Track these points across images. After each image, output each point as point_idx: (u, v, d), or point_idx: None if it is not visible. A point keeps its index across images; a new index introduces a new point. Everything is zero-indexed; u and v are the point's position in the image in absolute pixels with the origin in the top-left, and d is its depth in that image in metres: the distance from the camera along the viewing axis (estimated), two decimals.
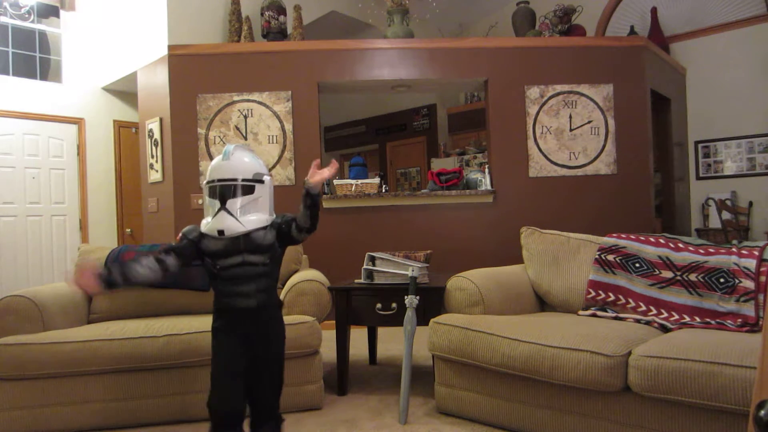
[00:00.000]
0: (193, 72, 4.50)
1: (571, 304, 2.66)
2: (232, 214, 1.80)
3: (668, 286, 2.42)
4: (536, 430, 2.14)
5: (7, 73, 5.22)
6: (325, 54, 4.57)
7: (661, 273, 2.46)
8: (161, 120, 4.62)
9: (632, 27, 6.09)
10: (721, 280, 2.30)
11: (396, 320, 2.67)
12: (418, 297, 2.52)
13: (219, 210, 1.81)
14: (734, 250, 2.37)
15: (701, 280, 2.35)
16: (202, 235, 1.85)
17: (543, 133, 4.59)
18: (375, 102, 8.50)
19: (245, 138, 4.48)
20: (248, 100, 4.50)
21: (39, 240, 5.41)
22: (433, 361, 2.51)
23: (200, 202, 4.46)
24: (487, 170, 4.66)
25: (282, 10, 4.90)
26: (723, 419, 1.72)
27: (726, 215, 5.60)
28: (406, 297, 2.52)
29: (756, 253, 2.31)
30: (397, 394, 2.71)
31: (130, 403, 2.39)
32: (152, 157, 4.78)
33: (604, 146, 4.60)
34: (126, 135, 5.94)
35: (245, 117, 4.50)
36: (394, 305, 2.69)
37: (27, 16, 5.34)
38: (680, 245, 2.52)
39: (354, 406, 2.60)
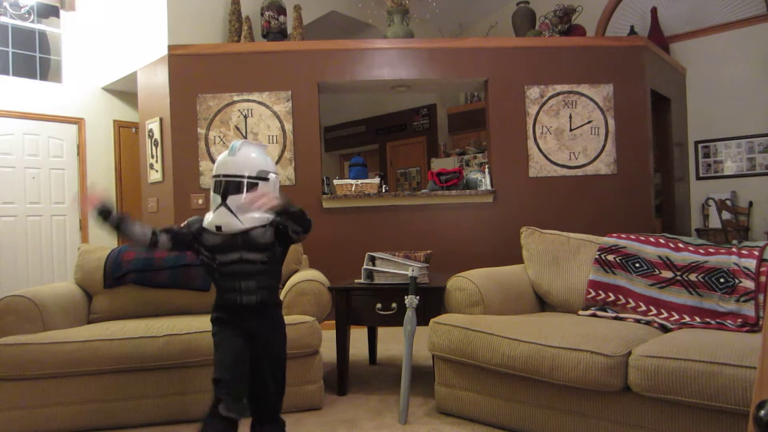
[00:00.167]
0: (193, 72, 4.50)
1: (571, 304, 2.66)
2: (231, 211, 1.80)
3: (668, 286, 2.42)
4: (536, 430, 2.14)
5: (7, 73, 5.22)
6: (325, 54, 4.57)
7: (661, 273, 2.46)
8: (161, 120, 4.62)
9: (632, 27, 6.08)
10: (721, 280, 2.30)
11: (396, 320, 2.67)
12: (418, 297, 2.52)
13: (219, 206, 1.81)
14: (734, 250, 2.37)
15: (701, 280, 2.35)
16: (203, 229, 1.86)
17: (543, 133, 4.59)
18: (375, 102, 8.50)
19: (245, 138, 4.48)
20: (248, 100, 4.50)
21: (39, 240, 5.41)
22: (433, 361, 2.51)
23: (200, 202, 4.46)
24: (487, 170, 4.66)
25: (282, 10, 4.90)
26: (723, 419, 1.72)
27: (726, 215, 5.60)
28: (406, 297, 2.52)
29: (756, 253, 2.31)
30: (397, 394, 2.71)
31: (130, 403, 2.39)
32: (152, 157, 4.78)
33: (604, 146, 4.60)
34: (126, 135, 5.94)
35: (245, 117, 4.50)
36: (394, 305, 2.69)
37: (27, 16, 5.34)
38: (680, 245, 2.52)
39: (354, 406, 2.60)
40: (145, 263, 2.92)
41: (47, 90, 5.42)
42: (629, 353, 1.92)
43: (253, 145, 1.91)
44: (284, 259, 1.99)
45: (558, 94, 4.60)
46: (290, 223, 1.82)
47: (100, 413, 2.38)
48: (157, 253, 2.97)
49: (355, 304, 2.78)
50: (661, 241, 2.58)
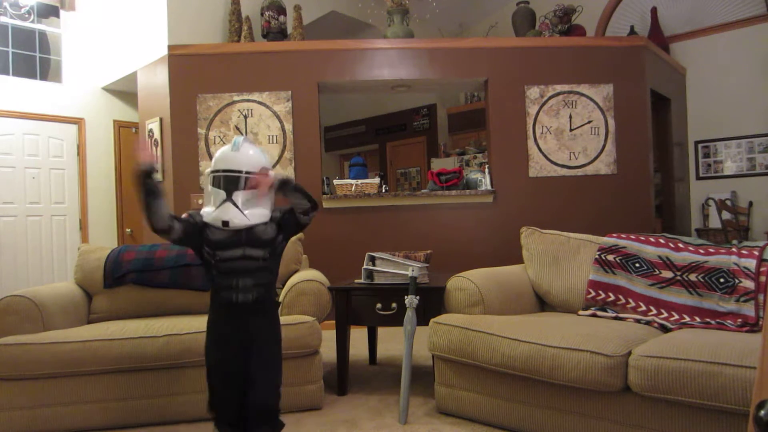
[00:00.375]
0: (193, 72, 4.50)
1: (571, 304, 2.66)
2: (237, 206, 1.79)
3: (668, 286, 2.42)
4: (536, 430, 2.14)
5: (7, 73, 5.21)
6: (325, 54, 4.57)
7: (661, 273, 2.46)
8: (161, 120, 4.62)
9: (632, 27, 6.09)
10: (721, 280, 2.30)
11: (396, 320, 2.67)
12: (418, 297, 2.52)
13: (224, 201, 1.79)
14: (734, 250, 2.37)
15: (701, 280, 2.35)
16: (205, 224, 1.83)
17: (543, 133, 4.59)
18: (375, 102, 8.50)
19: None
20: (248, 100, 4.50)
21: (39, 240, 5.41)
22: (433, 361, 2.51)
23: (200, 202, 4.46)
24: (487, 170, 4.65)
25: (282, 10, 4.90)
26: (723, 419, 1.72)
27: (726, 215, 5.60)
28: (406, 297, 2.52)
29: (756, 253, 2.31)
30: (397, 394, 2.71)
31: (130, 403, 2.39)
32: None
33: (604, 146, 4.60)
34: (126, 135, 5.94)
35: (245, 117, 4.50)
36: (394, 305, 2.69)
37: (27, 16, 5.34)
38: (680, 245, 2.52)
39: (354, 406, 2.60)
40: (145, 263, 2.92)
41: (47, 90, 5.42)
42: (629, 353, 1.92)
43: (252, 142, 1.92)
44: (281, 255, 1.98)
45: (558, 94, 4.60)
46: (298, 200, 1.85)
47: (100, 413, 2.38)
48: (157, 253, 2.97)
49: (355, 304, 2.78)
50: (661, 241, 2.58)
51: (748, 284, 2.25)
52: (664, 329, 2.25)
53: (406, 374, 2.43)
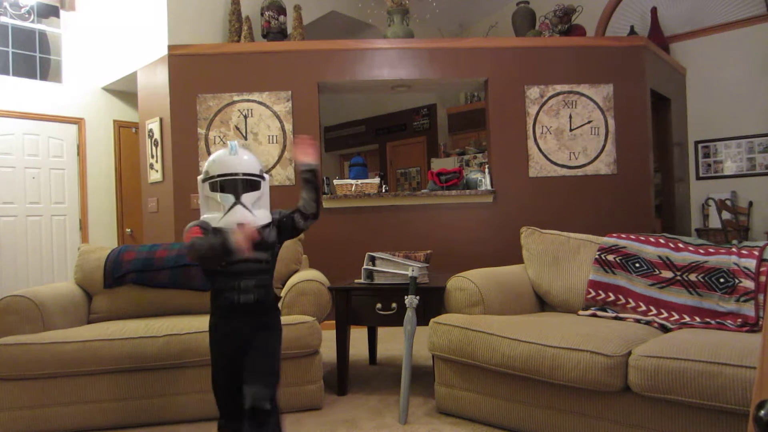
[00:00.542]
0: (193, 72, 4.50)
1: (571, 304, 2.66)
2: (247, 209, 1.80)
3: (668, 286, 2.42)
4: (536, 430, 2.14)
5: (7, 73, 5.22)
6: (325, 54, 4.57)
7: (661, 273, 2.46)
8: (161, 120, 4.62)
9: (632, 27, 6.09)
10: (721, 280, 2.30)
11: (396, 320, 2.67)
12: (418, 297, 2.52)
13: (234, 204, 1.79)
14: (734, 250, 2.37)
15: (701, 280, 2.35)
16: (214, 231, 1.81)
17: (543, 133, 4.59)
18: (375, 102, 8.50)
19: (245, 138, 4.48)
20: (248, 100, 4.50)
21: (39, 240, 5.41)
22: (433, 361, 2.51)
23: (199, 202, 4.45)
24: (487, 170, 4.65)
25: (282, 10, 4.90)
26: (723, 419, 1.72)
27: (726, 215, 5.60)
28: (406, 297, 2.52)
29: (756, 253, 2.31)
30: (397, 394, 2.71)
31: (130, 403, 2.39)
32: (152, 157, 4.78)
33: (604, 146, 4.60)
34: (126, 135, 5.94)
35: (245, 117, 4.50)
36: (394, 305, 2.69)
37: (27, 16, 5.34)
38: (680, 245, 2.52)
39: (354, 406, 2.60)
40: (145, 263, 2.92)
41: (47, 90, 5.42)
42: (629, 353, 1.92)
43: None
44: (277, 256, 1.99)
45: (558, 94, 4.60)
46: (310, 200, 1.89)
47: (100, 413, 2.38)
48: (157, 253, 2.97)
49: (355, 304, 2.78)
50: (661, 241, 2.58)
51: (748, 284, 2.25)
52: (664, 329, 2.25)
53: (406, 374, 2.43)
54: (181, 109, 4.50)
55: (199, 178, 1.88)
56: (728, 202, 5.71)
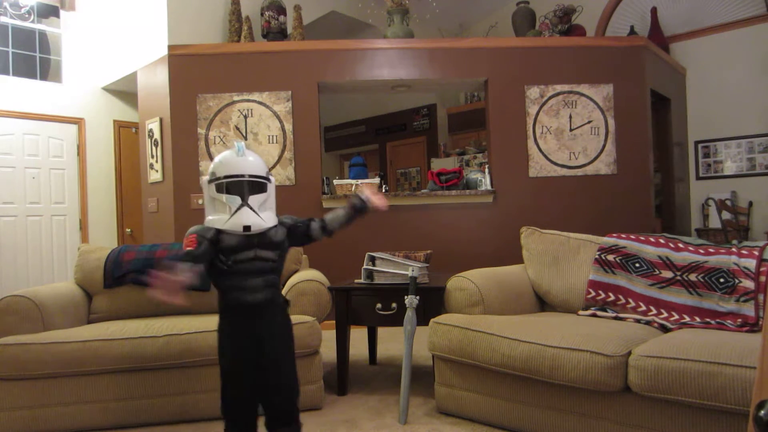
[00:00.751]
0: (193, 72, 4.50)
1: (571, 304, 2.66)
2: (254, 211, 1.80)
3: (668, 286, 2.42)
4: (536, 430, 2.14)
5: (7, 73, 5.22)
6: (325, 54, 4.57)
7: (661, 273, 2.46)
8: (161, 120, 4.62)
9: (632, 27, 6.09)
10: (721, 280, 2.30)
11: (396, 320, 2.67)
12: (418, 297, 2.52)
13: (241, 206, 1.78)
14: (734, 250, 2.37)
15: (701, 280, 2.35)
16: (219, 233, 1.80)
17: (543, 133, 4.59)
18: (375, 102, 8.50)
19: (245, 138, 4.48)
20: (248, 100, 4.50)
21: (39, 240, 5.41)
22: (433, 361, 2.51)
23: (200, 202, 4.46)
24: (487, 170, 4.66)
25: (282, 10, 4.90)
26: (723, 419, 1.72)
27: (726, 215, 5.60)
28: (406, 297, 2.52)
29: (756, 253, 2.31)
30: (397, 394, 2.71)
31: (130, 403, 2.39)
32: (152, 157, 4.78)
33: (604, 146, 4.60)
34: (126, 135, 5.94)
35: (245, 117, 4.50)
36: (394, 305, 2.69)
37: (27, 16, 5.34)
38: (680, 245, 2.52)
39: (354, 406, 2.60)
40: (145, 263, 2.92)
41: (47, 90, 5.43)
42: (629, 353, 1.92)
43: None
44: (286, 257, 1.99)
45: (558, 94, 4.60)
46: (342, 221, 1.98)
47: (100, 413, 2.38)
48: (157, 253, 2.97)
49: (355, 304, 2.78)
50: (661, 241, 2.58)
51: (748, 284, 2.25)
52: (664, 329, 2.25)
53: (406, 374, 2.43)
54: (181, 109, 4.49)
55: (204, 179, 1.87)
56: (728, 202, 5.71)
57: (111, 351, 2.36)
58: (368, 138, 8.82)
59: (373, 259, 2.81)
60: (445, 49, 4.65)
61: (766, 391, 0.87)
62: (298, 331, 2.45)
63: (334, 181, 4.64)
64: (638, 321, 2.34)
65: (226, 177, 1.80)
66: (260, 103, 4.50)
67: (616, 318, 2.43)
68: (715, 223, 5.78)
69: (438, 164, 6.83)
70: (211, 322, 2.39)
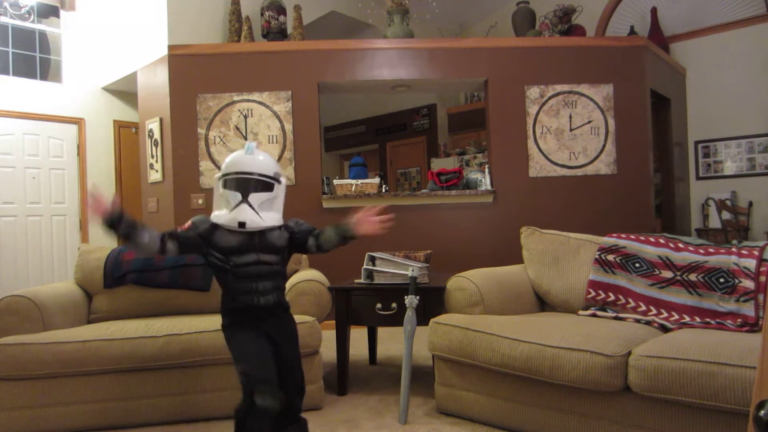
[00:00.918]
0: (193, 72, 4.50)
1: (571, 304, 2.66)
2: (253, 208, 1.80)
3: (668, 286, 2.42)
4: (536, 430, 2.14)
5: (7, 73, 5.22)
6: (325, 54, 4.57)
7: (661, 273, 2.46)
8: (161, 120, 4.62)
9: (632, 27, 6.09)
10: (721, 280, 2.30)
11: (396, 320, 2.67)
12: (418, 297, 2.52)
13: (240, 203, 1.79)
14: (734, 250, 2.37)
15: (701, 280, 2.35)
16: (214, 228, 1.82)
17: (543, 133, 4.59)
18: (375, 102, 8.50)
19: (245, 138, 4.48)
20: (248, 100, 4.50)
21: (39, 240, 5.41)
22: (433, 361, 2.51)
23: (200, 202, 4.46)
24: (487, 170, 4.66)
25: (282, 10, 4.90)
26: (723, 419, 1.72)
27: (726, 215, 5.60)
28: (406, 297, 2.52)
29: (756, 253, 2.31)
30: (397, 394, 2.71)
31: (130, 403, 2.39)
32: (152, 157, 4.78)
33: (604, 146, 4.60)
34: (126, 135, 5.94)
35: (245, 117, 4.50)
36: (394, 305, 2.69)
37: (27, 16, 5.34)
38: (680, 245, 2.52)
39: (354, 406, 2.60)
40: (145, 263, 2.92)
41: (47, 90, 5.43)
42: (629, 353, 1.92)
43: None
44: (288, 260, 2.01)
45: (558, 94, 4.60)
46: (334, 242, 1.92)
47: (100, 413, 2.38)
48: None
49: (355, 304, 2.78)
50: (661, 241, 2.58)
51: (748, 284, 2.25)
52: (664, 329, 2.25)
53: (406, 374, 2.43)
54: (181, 109, 4.49)
55: (216, 175, 1.89)
56: (728, 202, 5.71)
57: (111, 351, 2.36)
58: (368, 138, 8.82)
59: (373, 259, 2.81)
60: (445, 49, 4.65)
61: (766, 391, 0.87)
62: (299, 331, 2.46)
63: (334, 181, 4.64)
64: (638, 321, 2.34)
65: (232, 173, 1.81)
66: (260, 103, 4.50)
67: (616, 318, 2.43)
68: (715, 223, 5.78)
69: (438, 164, 6.83)
70: (211, 322, 2.40)
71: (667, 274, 2.44)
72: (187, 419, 2.43)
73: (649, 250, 2.56)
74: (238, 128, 4.49)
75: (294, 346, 1.93)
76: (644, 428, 1.88)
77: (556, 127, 4.59)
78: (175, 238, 1.78)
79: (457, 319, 2.41)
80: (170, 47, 4.52)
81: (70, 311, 2.74)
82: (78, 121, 5.62)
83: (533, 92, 4.60)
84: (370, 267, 2.79)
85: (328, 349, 3.20)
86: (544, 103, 4.59)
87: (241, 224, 1.78)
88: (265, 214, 1.83)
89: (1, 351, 2.32)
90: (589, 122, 4.60)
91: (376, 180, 4.63)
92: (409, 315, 2.49)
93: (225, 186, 1.82)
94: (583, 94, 4.61)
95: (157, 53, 4.67)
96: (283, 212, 1.94)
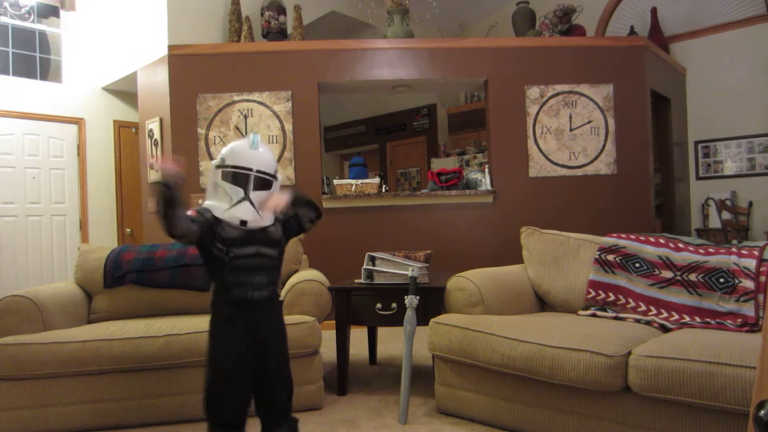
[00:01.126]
0: (193, 72, 4.50)
1: (571, 304, 2.66)
2: (253, 206, 1.79)
3: (668, 286, 2.42)
4: (536, 430, 2.14)
5: (7, 73, 5.22)
6: (325, 54, 4.57)
7: (661, 273, 2.46)
8: (161, 120, 4.62)
9: (632, 27, 6.09)
10: (721, 280, 2.30)
11: (396, 320, 2.67)
12: (418, 297, 2.52)
13: (242, 200, 1.77)
14: (734, 250, 2.37)
15: (701, 280, 2.35)
16: (216, 220, 1.78)
17: (543, 133, 4.59)
18: (375, 102, 8.50)
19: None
20: (248, 100, 4.50)
21: (39, 240, 5.41)
22: (433, 361, 2.51)
23: (200, 202, 4.45)
24: (487, 170, 4.66)
25: (282, 10, 4.90)
26: (723, 419, 1.72)
27: (726, 215, 5.60)
28: (406, 297, 2.52)
29: (756, 253, 2.31)
30: (397, 394, 2.71)
31: (130, 403, 2.39)
32: (152, 157, 4.78)
33: (604, 146, 4.60)
34: (126, 135, 5.94)
35: (245, 117, 4.50)
36: (394, 305, 2.69)
37: (27, 16, 5.34)
38: (680, 245, 2.52)
39: (354, 406, 2.60)
40: (145, 263, 2.92)
41: (47, 90, 5.42)
42: (629, 353, 1.92)
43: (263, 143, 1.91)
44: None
45: (558, 94, 4.60)
46: (308, 211, 1.90)
47: (100, 413, 2.38)
48: (157, 253, 2.97)
49: (355, 304, 2.78)
50: (661, 241, 2.58)
51: (748, 284, 2.25)
52: (664, 329, 2.25)
53: (406, 374, 2.43)
54: (181, 109, 4.50)
55: (214, 162, 1.85)
56: (728, 202, 5.71)
57: (111, 351, 2.36)
58: (368, 138, 8.82)
59: (373, 259, 2.81)
60: (445, 49, 4.65)
61: (766, 391, 0.87)
62: (299, 331, 2.46)
63: (334, 181, 4.64)
64: (638, 321, 2.34)
65: (234, 167, 1.79)
66: (260, 103, 4.50)
67: (616, 318, 2.43)
68: (715, 223, 5.78)
69: (438, 164, 6.83)
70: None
71: (667, 274, 2.44)
72: (187, 419, 2.43)
73: (649, 250, 2.56)
74: (238, 128, 4.49)
75: (281, 344, 1.89)
76: (644, 428, 1.88)
77: (556, 127, 4.59)
78: (197, 224, 1.74)
79: (457, 319, 2.41)
80: (170, 47, 4.52)
81: (70, 311, 2.74)
82: (78, 121, 5.62)
83: (533, 92, 4.60)
84: (370, 267, 2.79)
85: (328, 349, 3.20)
86: (544, 103, 4.59)
87: (243, 222, 1.77)
88: (263, 212, 1.82)
89: (1, 351, 2.32)
90: (589, 122, 4.60)
91: (376, 180, 4.63)
92: (409, 315, 2.49)
93: (224, 177, 1.79)
94: (583, 94, 4.61)
95: (157, 53, 4.67)
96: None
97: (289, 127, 4.50)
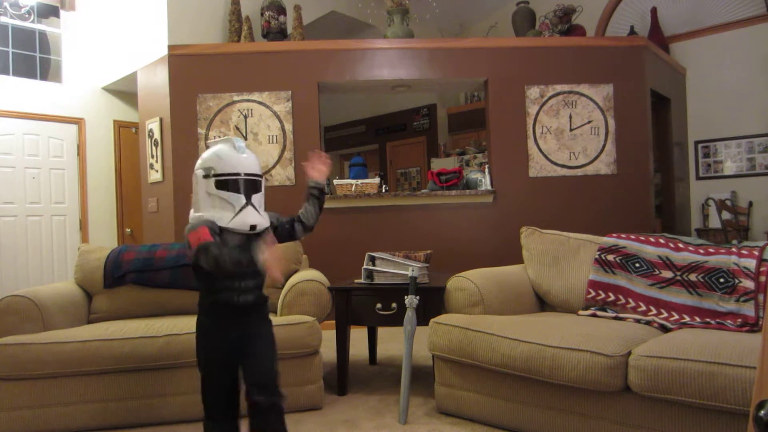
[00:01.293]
0: (193, 72, 4.50)
1: (571, 304, 2.66)
2: (256, 210, 1.80)
3: (668, 286, 2.42)
4: (536, 430, 2.14)
5: (7, 73, 5.22)
6: (325, 54, 4.57)
7: (661, 273, 2.46)
8: (161, 120, 4.62)
9: (632, 27, 6.08)
10: (721, 280, 2.30)
11: (396, 320, 2.67)
12: (418, 297, 2.52)
13: (246, 205, 1.78)
14: (734, 250, 2.37)
15: (701, 280, 2.35)
16: (221, 229, 1.78)
17: (543, 133, 4.59)
18: (375, 102, 8.50)
19: (245, 138, 4.48)
20: (248, 100, 4.50)
21: (39, 240, 5.41)
22: (433, 361, 2.51)
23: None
24: (487, 170, 4.65)
25: (282, 10, 4.90)
26: (723, 419, 1.72)
27: (726, 215, 5.60)
28: (406, 297, 2.52)
29: (756, 253, 2.31)
30: (397, 394, 2.71)
31: (130, 403, 2.39)
32: (152, 157, 4.78)
33: (604, 146, 4.60)
34: (126, 135, 5.94)
35: (245, 117, 4.50)
36: (394, 305, 2.69)
37: (27, 16, 5.34)
38: (680, 245, 2.52)
39: (354, 406, 2.60)
40: (145, 263, 2.92)
41: (47, 90, 5.42)
42: (629, 353, 1.92)
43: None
44: None
45: (558, 94, 4.60)
46: (313, 212, 1.95)
47: (100, 413, 2.38)
48: (157, 253, 2.97)
49: (355, 304, 2.78)
50: (661, 241, 2.58)
51: (748, 284, 2.25)
52: (664, 329, 2.25)
53: (406, 374, 2.43)
54: (181, 109, 4.49)
55: (199, 172, 1.81)
56: (728, 202, 5.71)
57: (111, 351, 2.36)
58: (368, 138, 8.82)
59: (373, 259, 2.81)
60: (445, 49, 4.65)
61: (766, 391, 0.87)
62: (299, 331, 2.46)
63: (334, 181, 4.64)
64: (638, 321, 2.34)
65: (229, 175, 1.78)
66: (260, 103, 4.50)
67: (616, 318, 2.43)
68: (715, 223, 5.78)
69: (438, 164, 6.83)
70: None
71: (667, 274, 2.44)
72: (187, 419, 2.43)
73: (649, 250, 2.56)
74: (238, 128, 4.50)
75: (266, 341, 1.86)
76: (644, 428, 1.88)
77: (556, 127, 4.59)
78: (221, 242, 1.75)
79: (457, 319, 2.41)
80: (170, 47, 4.51)
81: (70, 311, 2.74)
82: (78, 121, 5.62)
83: (533, 92, 4.60)
84: (370, 267, 2.79)
85: (328, 349, 3.20)
86: (544, 103, 4.59)
87: (252, 227, 1.78)
88: (262, 213, 1.84)
89: (1, 351, 2.33)
90: (589, 122, 4.60)
91: (376, 180, 4.63)
92: (409, 315, 2.50)
93: (218, 186, 1.78)
94: (583, 94, 4.61)
95: (157, 53, 4.67)
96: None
97: (289, 127, 4.50)
